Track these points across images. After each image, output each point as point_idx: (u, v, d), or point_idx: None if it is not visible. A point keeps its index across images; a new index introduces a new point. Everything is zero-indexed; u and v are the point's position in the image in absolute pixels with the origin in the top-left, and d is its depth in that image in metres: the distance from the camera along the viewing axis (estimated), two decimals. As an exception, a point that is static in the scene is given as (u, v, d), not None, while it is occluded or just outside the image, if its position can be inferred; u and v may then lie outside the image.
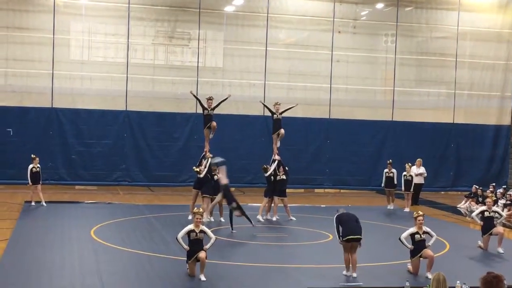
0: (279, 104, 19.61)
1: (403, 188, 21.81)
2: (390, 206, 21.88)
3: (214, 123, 18.78)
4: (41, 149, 23.87)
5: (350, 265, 12.32)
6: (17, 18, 24.29)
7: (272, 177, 18.83)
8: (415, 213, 13.03)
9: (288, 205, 19.08)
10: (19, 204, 20.04)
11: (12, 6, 24.24)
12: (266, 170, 18.91)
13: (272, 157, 19.30)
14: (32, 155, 20.06)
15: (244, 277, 12.26)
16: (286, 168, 19.16)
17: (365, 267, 13.10)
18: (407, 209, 21.57)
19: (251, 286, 11.64)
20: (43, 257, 13.15)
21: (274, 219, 18.78)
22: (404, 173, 21.82)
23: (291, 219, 18.74)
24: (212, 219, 18.10)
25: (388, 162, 22.06)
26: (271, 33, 26.11)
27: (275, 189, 18.80)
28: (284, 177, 18.93)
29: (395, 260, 13.70)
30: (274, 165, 18.93)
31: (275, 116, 19.51)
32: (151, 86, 25.54)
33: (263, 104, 21.03)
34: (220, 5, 26.23)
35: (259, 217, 18.58)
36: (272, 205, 18.94)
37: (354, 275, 12.19)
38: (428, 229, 12.83)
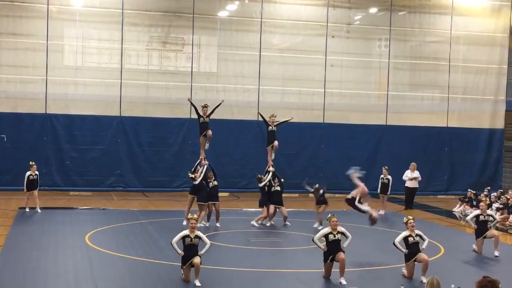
0: (275, 116, 19.54)
1: (378, 190, 21.88)
2: (381, 211, 21.76)
3: (209, 132, 18.72)
4: (35, 155, 23.79)
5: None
6: (11, 24, 24.26)
7: (266, 187, 18.77)
8: (405, 218, 13.11)
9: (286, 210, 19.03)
10: (13, 210, 19.97)
11: (5, 12, 24.22)
12: (260, 180, 18.85)
13: (266, 168, 19.25)
14: (30, 162, 19.95)
15: (239, 282, 12.25)
16: (282, 180, 19.12)
17: (359, 272, 13.12)
18: (382, 212, 21.28)
19: (246, 291, 11.63)
20: (37, 263, 13.11)
21: (268, 224, 18.76)
22: (382, 176, 21.93)
23: (286, 224, 18.73)
24: (208, 225, 18.08)
25: (384, 168, 22.07)
26: (264, 38, 26.15)
27: (270, 199, 18.75)
28: (278, 188, 18.87)
29: (390, 265, 13.71)
30: (268, 177, 18.88)
31: (270, 128, 19.44)
32: (145, 92, 25.51)
33: (260, 115, 20.80)
34: (213, 10, 26.26)
35: (253, 222, 18.56)
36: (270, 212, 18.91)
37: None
38: (419, 232, 12.92)
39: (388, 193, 21.88)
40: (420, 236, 12.85)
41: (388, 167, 22.17)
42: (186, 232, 12.07)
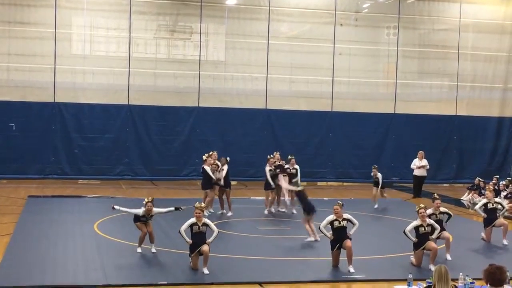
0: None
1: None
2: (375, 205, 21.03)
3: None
4: (44, 144, 23.98)
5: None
6: (19, 13, 24.27)
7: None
8: (416, 206, 13.05)
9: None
10: (22, 198, 20.08)
11: (13, 1, 24.21)
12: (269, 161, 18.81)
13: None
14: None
15: (247, 270, 12.28)
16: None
17: (367, 260, 13.12)
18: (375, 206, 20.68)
19: (255, 279, 11.64)
20: (46, 251, 13.18)
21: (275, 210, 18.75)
22: (372, 174, 20.79)
23: (284, 211, 18.69)
24: (212, 211, 18.06)
25: (373, 167, 21.14)
26: (272, 26, 26.06)
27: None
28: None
29: (398, 253, 13.71)
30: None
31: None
32: (153, 80, 25.54)
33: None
34: (221, -2, 26.22)
35: (266, 211, 18.59)
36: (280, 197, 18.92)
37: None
38: (431, 221, 12.87)
39: (380, 187, 20.65)
40: (432, 226, 12.80)
41: (377, 166, 21.31)
42: (193, 220, 12.10)
